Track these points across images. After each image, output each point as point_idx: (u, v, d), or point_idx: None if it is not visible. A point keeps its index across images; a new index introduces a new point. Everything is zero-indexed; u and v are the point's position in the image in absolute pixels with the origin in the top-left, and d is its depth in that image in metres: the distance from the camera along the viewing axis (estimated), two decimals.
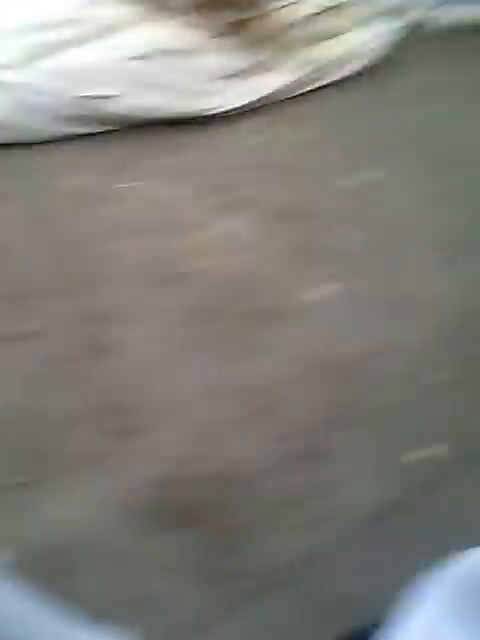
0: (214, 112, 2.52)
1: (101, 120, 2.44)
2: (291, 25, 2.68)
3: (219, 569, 1.50)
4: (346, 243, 2.14)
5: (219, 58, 2.58)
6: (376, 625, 0.68)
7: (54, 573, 1.42)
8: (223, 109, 2.52)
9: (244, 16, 2.62)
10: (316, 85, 2.67)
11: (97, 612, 0.76)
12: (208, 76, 2.55)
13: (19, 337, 1.86)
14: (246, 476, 1.62)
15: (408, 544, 1.43)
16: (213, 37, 2.59)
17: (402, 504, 1.62)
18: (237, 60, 2.58)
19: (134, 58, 2.50)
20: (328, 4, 2.75)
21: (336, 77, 2.69)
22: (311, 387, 1.78)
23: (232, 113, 2.52)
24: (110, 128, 2.45)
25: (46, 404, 1.73)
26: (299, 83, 2.63)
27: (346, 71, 2.70)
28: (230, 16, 2.62)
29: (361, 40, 2.73)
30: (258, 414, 1.72)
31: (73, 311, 1.94)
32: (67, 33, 2.51)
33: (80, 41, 2.51)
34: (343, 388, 1.78)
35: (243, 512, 1.57)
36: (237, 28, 2.58)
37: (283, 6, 2.67)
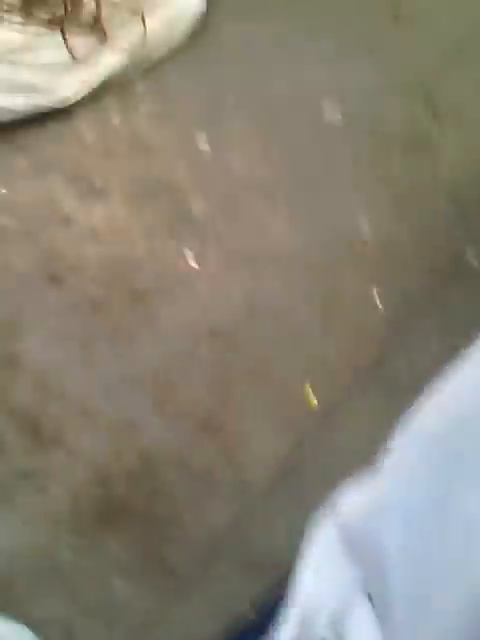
0: (63, 104, 2.23)
1: None
2: (112, 7, 2.36)
3: (162, 557, 1.36)
4: (204, 210, 2.03)
5: (55, 51, 2.33)
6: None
7: (4, 605, 1.24)
8: (68, 100, 2.24)
9: (66, 9, 2.36)
10: (146, 61, 2.39)
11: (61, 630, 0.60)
12: (50, 69, 2.27)
13: None
14: (165, 459, 1.47)
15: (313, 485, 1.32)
16: (45, 31, 2.29)
17: (302, 447, 1.50)
18: (72, 49, 2.32)
19: None
20: None
21: (162, 50, 2.40)
22: (200, 358, 1.71)
23: (76, 102, 2.24)
24: None
25: None
26: (131, 61, 2.39)
27: (170, 43, 2.45)
28: (54, 10, 2.35)
29: (176, 10, 2.45)
30: (159, 396, 1.59)
31: None
32: None
33: None
34: (226, 353, 1.63)
35: (170, 496, 1.42)
36: (65, 18, 2.27)
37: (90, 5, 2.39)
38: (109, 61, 2.39)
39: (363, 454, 1.27)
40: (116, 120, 2.26)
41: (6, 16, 2.32)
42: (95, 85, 2.32)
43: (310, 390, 1.59)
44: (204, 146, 2.16)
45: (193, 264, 1.88)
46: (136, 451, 1.52)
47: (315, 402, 1.55)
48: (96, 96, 2.29)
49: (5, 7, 2.36)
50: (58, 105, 2.26)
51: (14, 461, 1.51)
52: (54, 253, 1.91)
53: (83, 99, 2.26)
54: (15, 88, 2.25)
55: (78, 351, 1.70)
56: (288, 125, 2.21)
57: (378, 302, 1.76)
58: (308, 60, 2.39)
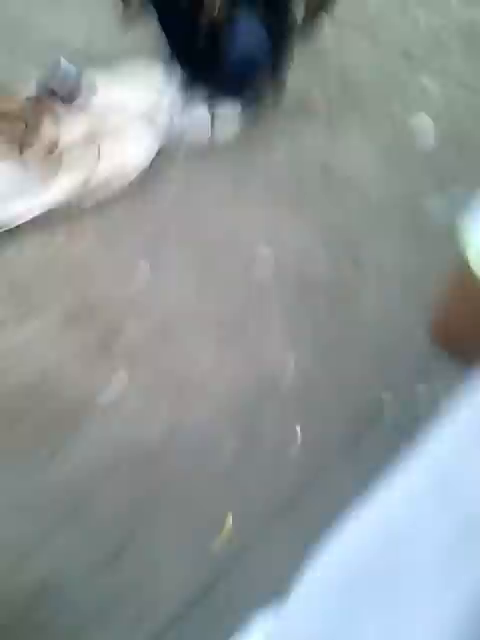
0: (8, 225, 2.34)
1: None
2: (68, 136, 2.52)
3: None
4: (131, 336, 2.09)
5: (11, 171, 2.45)
6: None
7: None
8: (14, 223, 2.35)
9: (24, 136, 2.51)
10: (95, 192, 2.53)
11: None
12: (3, 188, 2.40)
13: None
14: (74, 578, 1.43)
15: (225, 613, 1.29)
16: (4, 149, 2.45)
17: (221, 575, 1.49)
18: (22, 176, 2.45)
19: None
20: (97, 113, 2.70)
21: (115, 180, 2.58)
22: (114, 480, 1.75)
23: (18, 227, 2.35)
24: None
25: None
26: (83, 188, 2.52)
27: (122, 174, 2.61)
28: (11, 136, 2.49)
29: (132, 144, 2.66)
30: (67, 519, 1.54)
31: None
32: None
33: None
34: (144, 476, 1.67)
35: (76, 614, 1.38)
36: (23, 140, 2.39)
37: (55, 122, 2.59)
38: (62, 187, 2.52)
39: (276, 584, 1.29)
40: (60, 242, 2.34)
41: None
42: (44, 209, 2.41)
43: (230, 519, 1.60)
44: (143, 275, 2.25)
45: (122, 382, 1.91)
46: (33, 574, 1.46)
47: (230, 530, 1.57)
48: (45, 218, 2.39)
49: None
50: (5, 227, 2.32)
51: None
52: None
53: (32, 220, 2.36)
54: None
55: None
56: (222, 266, 2.34)
57: (299, 439, 1.83)
58: (244, 209, 2.56)
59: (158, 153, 2.72)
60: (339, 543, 0.72)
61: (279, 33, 2.90)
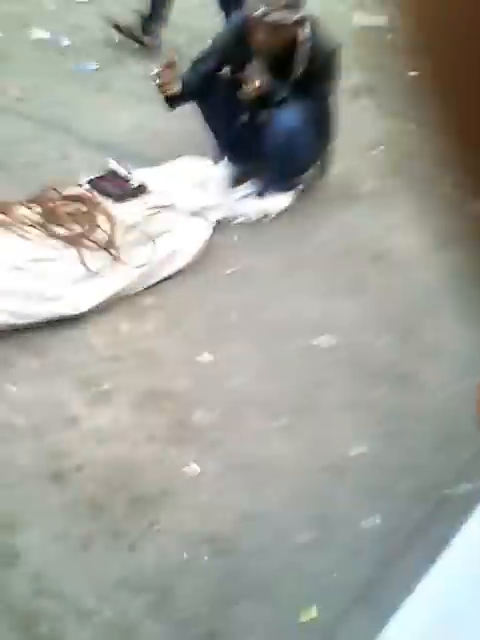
0: (71, 313, 2.46)
1: None
2: (123, 231, 2.64)
3: None
4: (200, 423, 2.15)
5: (71, 265, 2.57)
6: None
7: None
8: (78, 310, 2.47)
9: (82, 230, 2.64)
10: (154, 279, 2.66)
11: None
12: (64, 281, 2.52)
13: None
14: None
15: None
16: (63, 247, 2.59)
17: None
18: (87, 265, 2.56)
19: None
20: (149, 209, 2.82)
21: (169, 270, 2.72)
22: (197, 567, 1.74)
23: (86, 312, 2.47)
24: None
25: None
26: (140, 278, 2.65)
27: (176, 265, 2.73)
28: (71, 230, 2.63)
29: (183, 236, 2.76)
30: (157, 602, 1.58)
31: None
32: None
33: None
34: (222, 568, 1.69)
35: None
36: (81, 237, 2.53)
37: (110, 218, 2.71)
38: (120, 278, 2.64)
39: None
40: (124, 330, 2.45)
41: (29, 230, 2.59)
42: (106, 298, 2.55)
43: (314, 610, 1.61)
44: (207, 360, 2.34)
45: (194, 470, 1.97)
46: None
47: (315, 619, 1.58)
48: (107, 306, 2.51)
49: (28, 222, 2.64)
50: (71, 314, 2.46)
51: None
52: (58, 452, 2.00)
53: (94, 308, 2.48)
54: (32, 296, 2.47)
55: (78, 551, 1.74)
56: (284, 348, 2.41)
57: (372, 523, 1.85)
58: (302, 293, 2.65)
59: (211, 238, 2.84)
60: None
61: (321, 114, 3.03)
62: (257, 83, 2.89)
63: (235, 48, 2.99)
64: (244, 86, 2.91)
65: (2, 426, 2.05)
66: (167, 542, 1.77)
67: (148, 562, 1.72)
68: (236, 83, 2.96)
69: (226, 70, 3.05)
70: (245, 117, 3.06)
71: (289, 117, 2.93)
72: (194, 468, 1.97)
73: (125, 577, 1.68)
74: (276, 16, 2.75)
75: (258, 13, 2.74)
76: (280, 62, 2.90)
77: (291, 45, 2.86)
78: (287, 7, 2.76)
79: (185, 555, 1.74)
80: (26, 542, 1.74)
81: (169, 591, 1.65)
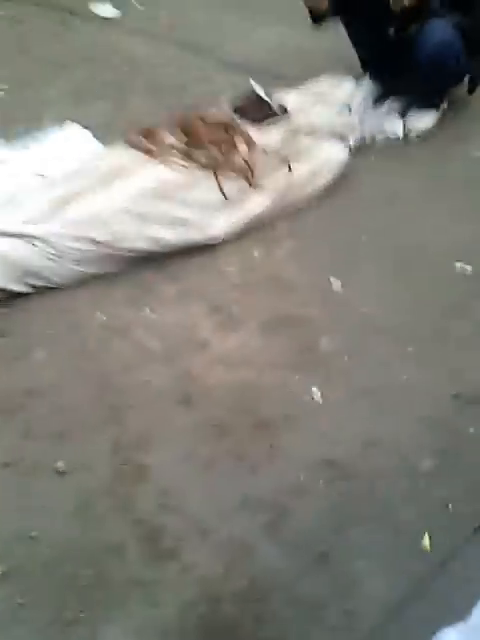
0: (212, 240, 2.50)
1: (118, 257, 2.43)
2: (263, 153, 2.66)
3: None
4: (332, 346, 2.13)
5: (210, 190, 2.57)
6: None
7: None
8: (220, 236, 2.51)
9: (222, 153, 2.63)
10: (290, 204, 2.65)
11: None
12: (203, 207, 2.54)
13: (60, 472, 1.83)
14: (274, 586, 1.52)
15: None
16: (202, 172, 2.58)
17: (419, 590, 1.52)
18: (225, 190, 2.57)
19: (140, 198, 2.48)
20: (288, 132, 2.78)
21: (306, 195, 2.69)
22: (315, 490, 1.76)
23: (221, 239, 2.50)
24: (124, 264, 2.41)
25: (89, 536, 1.69)
26: (277, 204, 2.63)
27: (313, 189, 2.71)
28: (211, 153, 2.62)
29: (322, 159, 2.74)
30: (275, 523, 1.62)
31: (111, 440, 1.91)
32: (81, 183, 2.53)
33: (93, 188, 2.50)
34: (345, 487, 1.67)
35: (277, 622, 1.45)
36: (220, 162, 2.53)
37: (251, 141, 2.68)
38: (257, 203, 2.62)
39: (471, 600, 1.29)
40: (257, 256, 2.45)
41: (169, 157, 2.62)
42: (242, 224, 2.56)
43: (428, 538, 1.60)
44: (337, 285, 2.30)
45: (317, 396, 1.96)
46: (247, 574, 1.56)
47: (429, 548, 1.57)
48: (241, 233, 2.53)
49: (170, 147, 2.67)
50: (210, 241, 2.49)
51: (132, 569, 1.59)
52: (189, 375, 2.05)
53: (229, 235, 2.51)
54: (173, 223, 2.49)
55: (202, 471, 1.79)
56: (419, 274, 2.33)
57: None
58: (441, 217, 2.54)
59: (349, 161, 2.76)
60: None
61: (472, 28, 2.81)
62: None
63: None
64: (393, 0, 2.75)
65: (138, 349, 2.13)
66: (286, 466, 1.79)
67: (267, 484, 1.75)
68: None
69: None
70: (394, 31, 2.89)
71: (440, 29, 2.74)
72: (318, 394, 1.96)
73: (245, 498, 1.71)
74: None
75: None
76: None
77: None
78: None
79: (303, 478, 1.75)
80: (155, 460, 1.82)
81: (285, 513, 1.67)
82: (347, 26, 3.01)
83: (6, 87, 3.16)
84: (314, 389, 1.97)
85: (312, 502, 1.70)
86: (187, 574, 1.57)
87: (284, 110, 2.82)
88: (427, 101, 2.94)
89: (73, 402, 1.97)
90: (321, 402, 1.95)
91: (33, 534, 1.66)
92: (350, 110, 2.91)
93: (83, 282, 2.34)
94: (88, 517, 1.70)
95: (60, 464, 1.81)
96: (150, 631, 1.47)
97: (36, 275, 2.31)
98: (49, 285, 2.32)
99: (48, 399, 1.98)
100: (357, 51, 3.10)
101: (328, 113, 2.88)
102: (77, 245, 2.34)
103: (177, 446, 1.86)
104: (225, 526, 1.66)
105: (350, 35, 3.05)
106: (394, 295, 2.26)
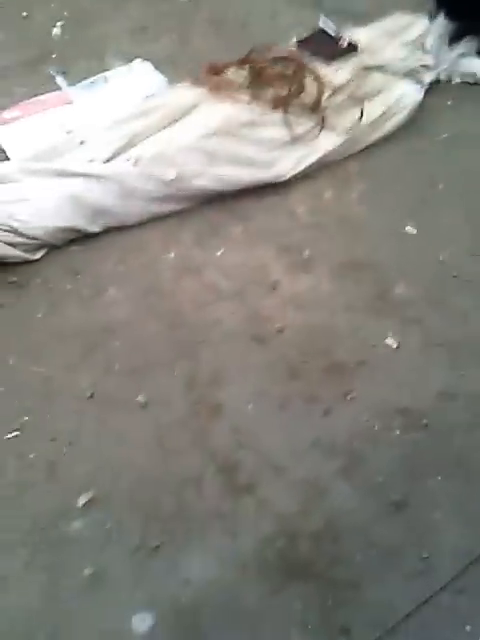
0: (279, 179, 2.46)
1: (186, 196, 2.41)
2: (332, 91, 2.59)
3: (338, 619, 1.43)
4: (407, 293, 2.13)
5: (277, 129, 2.53)
6: None
7: (192, 632, 1.36)
8: (286, 175, 2.47)
9: (290, 91, 2.56)
10: (361, 144, 2.60)
11: None
12: (271, 146, 2.51)
13: (139, 405, 1.89)
14: (349, 528, 1.55)
15: None
16: (269, 110, 2.54)
17: None
18: (291, 129, 2.53)
19: (207, 136, 2.45)
20: (359, 70, 2.69)
21: (377, 135, 2.63)
22: (389, 438, 1.79)
23: (291, 179, 2.47)
24: (193, 202, 2.40)
25: (168, 467, 1.75)
26: (347, 143, 2.58)
27: (385, 129, 2.65)
28: (278, 91, 2.55)
29: (394, 99, 2.67)
30: (348, 467, 1.64)
31: (185, 376, 1.95)
32: (148, 121, 2.51)
33: (160, 127, 2.50)
34: (419, 436, 1.69)
35: (352, 563, 1.49)
36: (288, 100, 2.49)
37: (319, 79, 2.60)
38: (326, 142, 2.57)
39: None
40: (328, 197, 2.42)
41: (236, 95, 2.58)
42: (311, 164, 2.52)
43: None
44: (411, 230, 2.27)
45: (392, 343, 1.97)
46: (322, 514, 1.61)
47: None
48: (311, 173, 2.49)
49: (236, 86, 2.63)
50: (276, 180, 2.46)
51: (210, 501, 1.64)
52: (260, 315, 2.07)
53: (298, 175, 2.47)
54: (239, 161, 2.47)
55: (275, 410, 1.83)
56: None
57: None
58: None
59: (424, 101, 2.68)
60: None
61: None
62: None
63: None
64: None
65: (209, 288, 2.14)
66: (360, 411, 1.82)
67: (340, 428, 1.78)
68: None
69: None
70: None
71: None
72: (392, 341, 1.97)
73: (318, 440, 1.75)
74: None
75: None
76: None
77: None
78: None
79: (377, 426, 1.78)
80: (228, 397, 1.87)
81: (360, 458, 1.71)
82: None
83: (62, 23, 3.11)
84: (389, 336, 1.98)
85: (386, 450, 1.73)
86: (263, 509, 1.62)
87: (355, 47, 2.74)
88: None
89: (148, 339, 2.01)
90: (395, 349, 1.96)
91: (116, 463, 1.73)
92: (425, 49, 2.82)
93: (153, 221, 2.34)
94: (167, 449, 1.76)
95: (141, 397, 1.87)
96: (230, 562, 1.53)
97: (107, 214, 2.32)
98: (120, 224, 2.33)
99: (124, 336, 2.02)
100: None
101: (402, 51, 2.79)
102: (145, 183, 2.34)
103: (249, 384, 1.90)
104: (299, 466, 1.70)
105: None
106: (473, 243, 2.22)
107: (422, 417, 1.78)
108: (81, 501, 1.66)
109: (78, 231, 2.29)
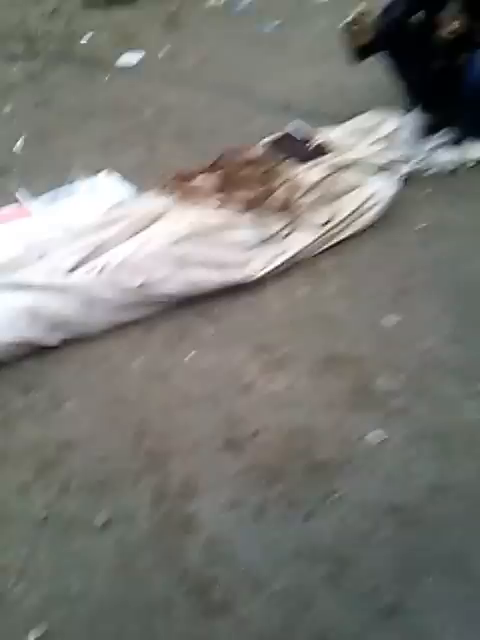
0: (249, 279, 2.53)
1: (154, 302, 2.46)
2: (303, 191, 2.67)
3: None
4: (390, 384, 2.12)
5: (249, 230, 2.63)
6: None
7: None
8: (257, 275, 2.53)
9: (260, 193, 2.68)
10: (334, 241, 2.67)
11: None
12: (243, 247, 2.60)
13: (100, 526, 1.83)
14: None
15: None
16: (239, 213, 2.65)
17: None
18: (263, 230, 2.63)
19: (176, 242, 2.54)
20: (331, 170, 2.84)
21: (351, 231, 2.71)
22: (379, 538, 1.74)
23: (264, 277, 2.54)
24: (162, 307, 2.45)
25: (132, 592, 1.68)
26: (320, 240, 2.66)
27: (359, 225, 2.73)
28: (249, 194, 2.68)
29: (367, 195, 2.79)
30: (335, 573, 1.59)
31: (153, 489, 1.90)
32: (114, 230, 2.60)
33: (127, 235, 2.59)
34: (411, 534, 1.63)
35: None
36: (259, 201, 2.57)
37: (290, 179, 2.75)
38: (299, 240, 2.63)
39: None
40: (303, 293, 2.45)
41: (205, 200, 2.67)
42: (284, 261, 2.56)
43: None
44: (392, 321, 2.29)
45: (377, 437, 1.93)
46: (308, 629, 1.51)
47: None
48: (285, 271, 2.54)
49: (205, 192, 2.73)
50: (248, 279, 2.50)
51: (181, 626, 1.54)
52: (233, 419, 2.03)
53: (271, 273, 2.52)
54: (210, 264, 2.53)
55: (252, 519, 1.76)
56: (479, 308, 2.31)
57: None
58: None
59: (401, 194, 2.79)
60: None
61: None
62: (455, 25, 2.80)
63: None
64: (441, 29, 2.83)
65: (178, 394, 2.12)
66: (346, 511, 1.75)
67: (325, 532, 1.71)
68: (430, 27, 2.87)
69: (420, 14, 2.97)
70: (441, 62, 2.95)
71: None
72: (377, 435, 1.93)
73: (300, 547, 1.68)
74: None
75: None
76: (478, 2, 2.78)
77: None
78: None
79: (366, 526, 1.71)
80: (200, 508, 1.80)
81: (347, 562, 1.63)
82: (392, 60, 3.08)
83: (24, 137, 3.26)
84: (373, 430, 1.95)
85: (376, 551, 1.66)
86: (241, 629, 1.53)
87: (326, 147, 2.87)
88: (475, 121, 2.98)
89: (111, 451, 1.97)
90: (381, 444, 1.92)
91: (73, 592, 1.65)
92: (398, 143, 2.96)
93: (118, 329, 2.37)
94: (131, 571, 1.68)
95: (100, 517, 1.81)
96: None
97: (67, 325, 2.34)
98: (82, 335, 2.35)
99: (83, 451, 1.99)
100: (402, 84, 3.16)
101: (374, 147, 2.93)
102: (111, 292, 2.38)
103: (223, 494, 1.84)
104: (280, 577, 1.62)
105: (395, 69, 3.11)
106: (455, 330, 2.24)
107: (413, 513, 1.72)
108: (32, 637, 1.58)
109: (33, 345, 2.30)
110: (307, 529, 1.73)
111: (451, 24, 2.80)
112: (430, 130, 3.09)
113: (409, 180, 2.86)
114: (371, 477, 1.84)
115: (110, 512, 1.82)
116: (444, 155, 2.98)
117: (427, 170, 2.94)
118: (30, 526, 1.82)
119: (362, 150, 2.93)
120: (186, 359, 2.25)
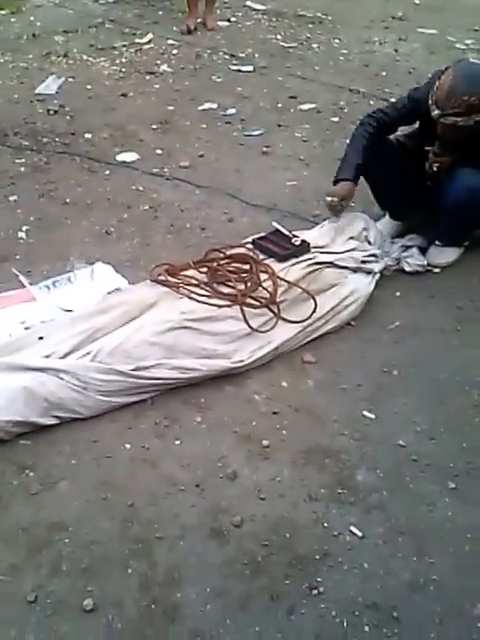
0: (236, 369, 2.49)
1: (144, 387, 2.41)
2: (287, 286, 2.73)
3: None
4: (369, 479, 2.08)
5: (234, 322, 2.60)
6: None
7: None
8: (242, 364, 2.50)
9: (245, 288, 2.68)
10: (315, 334, 2.67)
11: None
12: (228, 338, 2.57)
13: (88, 609, 1.75)
14: None
15: None
16: (225, 307, 2.63)
17: None
18: (249, 322, 2.58)
19: (166, 330, 2.51)
20: (311, 266, 2.84)
21: (330, 326, 2.72)
22: (359, 636, 1.71)
23: (248, 368, 2.51)
24: (151, 394, 2.39)
25: None
26: (302, 334, 2.65)
27: (338, 320, 2.73)
28: (234, 289, 2.68)
29: (346, 292, 2.80)
30: None
31: (138, 576, 1.82)
32: (108, 318, 2.57)
33: (120, 323, 2.56)
34: (390, 632, 1.59)
35: None
36: (244, 295, 2.58)
37: (273, 276, 2.74)
38: (281, 334, 2.63)
39: None
40: (285, 385, 2.42)
41: (196, 290, 2.66)
42: (266, 353, 2.54)
43: None
44: (369, 416, 2.27)
45: (356, 532, 1.88)
46: None
47: None
48: (267, 363, 2.51)
49: (195, 282, 2.72)
50: (233, 370, 2.48)
51: None
52: (219, 508, 1.97)
53: (255, 365, 2.48)
54: (197, 353, 2.50)
55: (236, 611, 1.69)
56: (452, 406, 2.31)
57: None
58: (470, 348, 2.56)
59: (374, 293, 2.80)
60: None
61: None
62: (442, 162, 2.86)
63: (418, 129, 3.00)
64: (427, 163, 2.89)
65: (166, 480, 2.06)
66: (327, 607, 1.69)
67: (307, 628, 1.64)
68: (415, 152, 2.93)
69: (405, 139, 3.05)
70: (427, 183, 2.98)
71: (470, 176, 2.82)
72: (357, 531, 1.89)
73: (289, 636, 1.61)
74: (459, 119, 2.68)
75: (436, 114, 2.71)
76: (463, 144, 2.82)
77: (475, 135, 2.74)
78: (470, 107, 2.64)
79: (345, 622, 1.65)
80: (186, 597, 1.73)
81: None
82: (372, 183, 3.11)
83: (28, 228, 3.25)
84: (352, 525, 1.91)
85: None
86: None
87: (306, 247, 2.89)
88: (450, 240, 3.02)
89: (100, 535, 1.90)
90: (360, 539, 1.87)
91: None
92: (370, 243, 2.99)
93: (110, 413, 2.31)
94: None
95: (90, 600, 1.73)
96: None
97: (61, 407, 2.28)
98: (75, 416, 2.29)
99: (74, 533, 1.91)
100: (377, 198, 3.20)
101: (349, 244, 2.95)
102: (102, 376, 2.33)
103: (208, 583, 1.78)
104: None
105: (374, 190, 3.14)
106: (430, 427, 2.22)
107: (392, 610, 1.66)
108: None
109: (30, 425, 2.23)
110: (289, 623, 1.66)
111: (437, 162, 2.86)
112: (400, 234, 3.13)
113: (381, 281, 2.88)
114: (351, 573, 1.78)
115: (98, 596, 1.74)
116: (413, 259, 3.00)
117: (398, 268, 2.97)
118: (19, 607, 1.73)
119: (338, 246, 2.95)
120: (174, 446, 2.19)
